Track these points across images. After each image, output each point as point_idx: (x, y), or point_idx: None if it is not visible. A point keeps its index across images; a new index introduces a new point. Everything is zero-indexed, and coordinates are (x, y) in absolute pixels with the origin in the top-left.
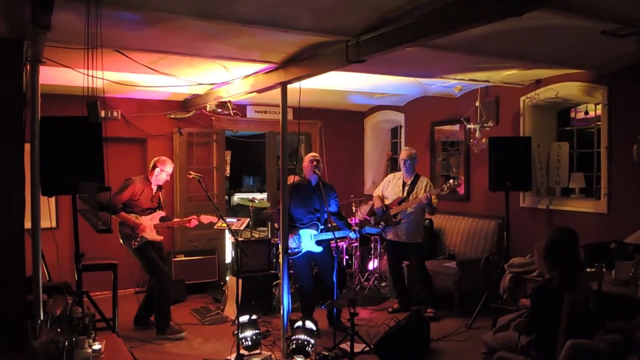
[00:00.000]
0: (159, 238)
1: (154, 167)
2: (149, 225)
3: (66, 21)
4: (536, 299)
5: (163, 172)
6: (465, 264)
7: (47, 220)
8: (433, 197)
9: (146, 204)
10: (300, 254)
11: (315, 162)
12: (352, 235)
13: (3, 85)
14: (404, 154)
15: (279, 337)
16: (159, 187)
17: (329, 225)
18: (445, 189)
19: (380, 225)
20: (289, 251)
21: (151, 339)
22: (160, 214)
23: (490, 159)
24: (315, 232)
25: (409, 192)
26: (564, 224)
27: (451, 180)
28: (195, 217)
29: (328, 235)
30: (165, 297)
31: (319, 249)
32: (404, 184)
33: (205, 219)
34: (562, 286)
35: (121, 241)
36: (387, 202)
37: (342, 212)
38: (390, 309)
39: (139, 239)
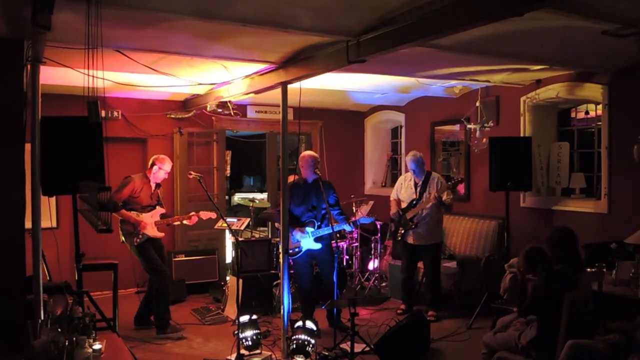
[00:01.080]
0: (160, 235)
1: (153, 164)
2: (150, 222)
3: (66, 21)
4: (535, 294)
5: (161, 170)
6: (465, 264)
7: (48, 220)
8: (444, 195)
9: (146, 201)
10: (300, 253)
11: (316, 164)
12: (347, 228)
13: (3, 85)
14: (409, 162)
15: (279, 337)
16: (157, 185)
17: (329, 224)
18: (451, 185)
19: (400, 232)
20: (290, 251)
21: (151, 339)
22: (160, 210)
23: (490, 159)
24: (313, 229)
25: (421, 193)
26: (564, 224)
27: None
28: (194, 213)
29: (326, 231)
30: (165, 296)
31: (317, 245)
32: (416, 184)
33: (205, 215)
34: (548, 289)
35: (123, 239)
36: (403, 205)
37: (343, 210)
38: (399, 311)
39: (140, 236)
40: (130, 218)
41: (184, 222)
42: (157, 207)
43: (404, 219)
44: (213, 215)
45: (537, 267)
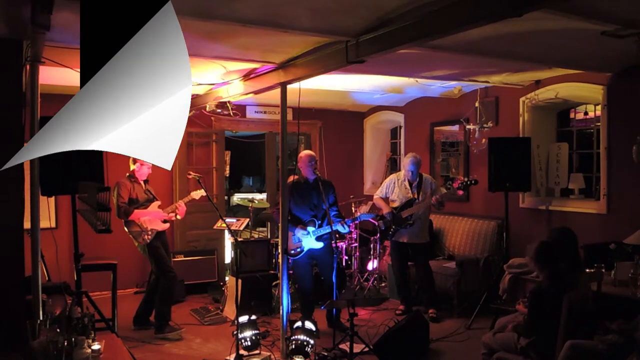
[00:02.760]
0: (165, 227)
1: (134, 163)
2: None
3: (65, 21)
4: (533, 302)
5: (143, 166)
6: (465, 265)
7: (47, 220)
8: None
9: (142, 197)
10: (302, 254)
11: (314, 163)
12: (340, 229)
13: (2, 86)
14: (409, 164)
15: (278, 338)
16: (145, 181)
17: (329, 224)
18: (462, 186)
19: (391, 230)
20: (292, 252)
21: (150, 339)
22: (157, 203)
23: (489, 160)
24: (314, 229)
25: (418, 193)
26: (563, 224)
27: (464, 178)
28: (182, 200)
29: (327, 230)
30: (169, 298)
31: (319, 245)
32: (411, 184)
33: (197, 194)
34: (551, 287)
35: (134, 240)
36: (394, 204)
37: (341, 211)
38: (397, 311)
39: (150, 232)
40: (136, 219)
41: (178, 215)
42: (154, 200)
43: (398, 217)
44: (203, 192)
45: (544, 263)
